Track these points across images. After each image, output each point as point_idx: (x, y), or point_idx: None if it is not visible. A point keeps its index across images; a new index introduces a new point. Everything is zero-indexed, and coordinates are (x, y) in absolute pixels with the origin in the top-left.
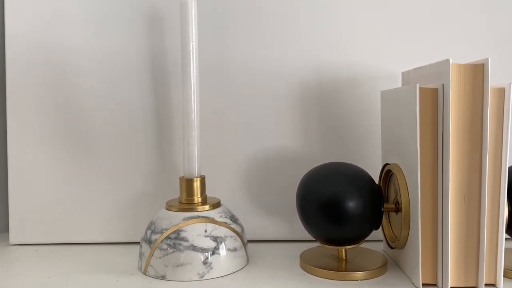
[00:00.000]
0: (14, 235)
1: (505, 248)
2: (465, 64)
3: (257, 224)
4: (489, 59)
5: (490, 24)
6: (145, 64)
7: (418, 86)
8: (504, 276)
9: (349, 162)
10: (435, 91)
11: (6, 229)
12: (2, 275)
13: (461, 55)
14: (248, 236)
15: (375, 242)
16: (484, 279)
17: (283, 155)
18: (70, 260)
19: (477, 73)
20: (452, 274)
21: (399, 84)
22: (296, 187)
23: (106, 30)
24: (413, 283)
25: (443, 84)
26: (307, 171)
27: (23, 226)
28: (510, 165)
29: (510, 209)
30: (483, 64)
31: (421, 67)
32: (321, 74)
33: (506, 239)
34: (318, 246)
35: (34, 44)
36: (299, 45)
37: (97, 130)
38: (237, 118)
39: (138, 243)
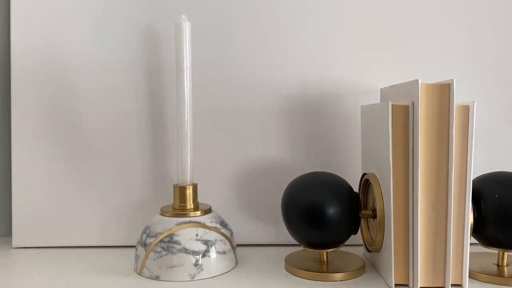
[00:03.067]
0: (17, 239)
1: (470, 252)
2: (432, 84)
3: (245, 229)
4: (454, 80)
5: (463, 44)
6: (141, 74)
7: (390, 103)
8: (470, 277)
9: (332, 171)
10: (406, 108)
11: (9, 232)
12: (7, 277)
13: (436, 73)
14: (237, 240)
15: (356, 246)
16: (450, 280)
17: (270, 164)
18: (70, 262)
19: (443, 92)
20: (421, 275)
21: (378, 99)
22: (281, 194)
23: (106, 41)
24: (387, 284)
25: (413, 102)
26: (292, 180)
27: (25, 230)
28: (474, 177)
29: (475, 215)
30: (449, 84)
31: (396, 85)
32: (307, 88)
33: (471, 243)
34: (302, 249)
35: (37, 53)
36: (286, 61)
37: (97, 138)
38: (228, 130)
39: (133, 246)
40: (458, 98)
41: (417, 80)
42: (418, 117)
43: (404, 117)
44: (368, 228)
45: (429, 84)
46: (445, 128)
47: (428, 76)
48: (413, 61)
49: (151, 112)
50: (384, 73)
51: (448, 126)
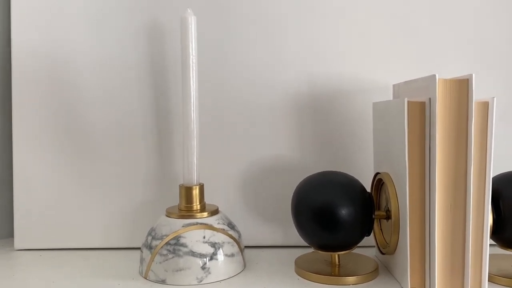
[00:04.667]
0: (19, 241)
1: (490, 254)
2: (450, 79)
3: (253, 231)
4: (473, 75)
5: (478, 39)
6: (145, 73)
7: (406, 100)
8: (489, 281)
9: (342, 171)
10: (422, 104)
11: (11, 234)
12: (8, 279)
13: (451, 69)
14: (245, 242)
15: (367, 248)
16: (469, 284)
17: (278, 164)
18: (73, 265)
19: (462, 87)
20: (438, 279)
21: (390, 96)
22: (290, 195)
23: (108, 39)
24: (402, 287)
25: (430, 98)
26: (301, 180)
27: (28, 232)
28: (493, 175)
29: (494, 216)
30: (467, 79)
31: (410, 81)
32: (316, 85)
33: (490, 245)
34: (312, 251)
35: (38, 52)
36: (294, 58)
37: (100, 141)
38: (234, 128)
39: (139, 248)
40: (477, 94)
41: (434, 75)
42: (435, 114)
43: (420, 114)
44: (381, 229)
45: (446, 79)
46: (463, 125)
47: (439, 72)
48: (428, 56)
49: (156, 111)
50: (395, 69)
51: (466, 124)
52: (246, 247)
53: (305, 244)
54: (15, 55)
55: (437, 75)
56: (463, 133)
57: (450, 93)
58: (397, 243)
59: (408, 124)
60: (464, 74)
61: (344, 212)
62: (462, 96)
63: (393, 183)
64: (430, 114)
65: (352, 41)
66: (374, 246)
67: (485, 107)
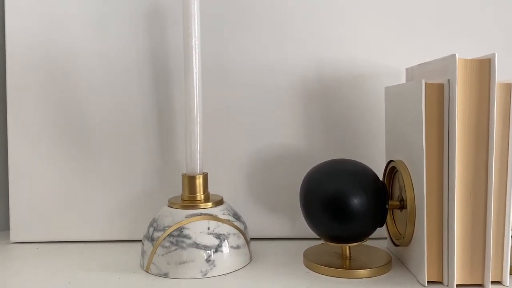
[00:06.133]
0: (15, 233)
1: None
2: (471, 59)
3: (259, 222)
4: (496, 54)
5: (495, 20)
6: (145, 61)
7: (423, 81)
8: (510, 274)
9: (351, 159)
10: (441, 86)
11: (6, 227)
12: (3, 273)
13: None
14: (250, 233)
15: (378, 240)
16: (490, 277)
17: (285, 152)
18: (71, 258)
19: (483, 68)
20: (458, 271)
21: (402, 80)
22: (298, 184)
23: (106, 28)
24: (418, 281)
25: (449, 80)
26: (309, 168)
27: (24, 224)
28: None
29: None
30: (489, 59)
31: (426, 63)
32: (323, 71)
33: None
34: (322, 243)
35: (34, 43)
36: (300, 42)
37: (98, 128)
38: (239, 116)
39: (139, 241)
40: (498, 76)
41: (454, 55)
42: (455, 97)
43: (439, 97)
44: (394, 219)
45: (467, 59)
46: (484, 108)
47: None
48: (440, 38)
49: (156, 98)
50: (406, 53)
51: (488, 106)
52: (252, 239)
53: (313, 235)
54: (10, 47)
55: (457, 55)
56: (484, 116)
57: (471, 74)
58: (412, 234)
59: (426, 108)
60: (489, 53)
61: (356, 201)
62: (483, 77)
63: (408, 171)
64: (449, 97)
65: (361, 24)
66: (384, 238)
67: (508, 89)
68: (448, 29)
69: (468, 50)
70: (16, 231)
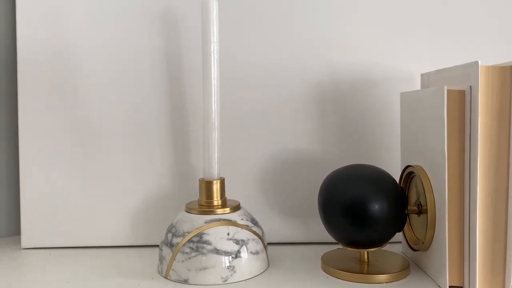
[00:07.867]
0: (26, 239)
1: None
2: (493, 66)
3: (274, 226)
4: None
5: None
6: (160, 64)
7: (446, 88)
8: None
9: (366, 163)
10: (462, 93)
11: (17, 232)
12: (19, 280)
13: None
14: (266, 238)
15: (391, 244)
16: (511, 283)
17: (299, 156)
18: (86, 264)
19: (505, 75)
20: (479, 277)
21: (416, 86)
22: (313, 189)
23: (121, 29)
24: (439, 285)
25: (470, 86)
26: (323, 173)
27: (35, 229)
28: None
29: None
30: (510, 67)
31: (443, 69)
32: (337, 75)
33: None
34: (338, 248)
35: (45, 45)
36: (314, 47)
37: (111, 132)
38: (254, 120)
39: (153, 246)
40: None
41: (476, 62)
42: (477, 103)
43: (460, 103)
44: (411, 224)
45: (489, 66)
46: (506, 115)
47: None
48: (456, 44)
49: (170, 101)
50: (420, 58)
51: (509, 113)
52: (268, 244)
53: (327, 240)
54: (21, 48)
55: (480, 62)
56: (506, 123)
57: (493, 80)
58: (432, 239)
59: (447, 114)
60: (506, 61)
61: (377, 207)
62: (505, 84)
63: (428, 176)
64: (471, 104)
65: (375, 28)
66: (398, 242)
67: None
68: (464, 35)
69: (482, 56)
70: (28, 236)
